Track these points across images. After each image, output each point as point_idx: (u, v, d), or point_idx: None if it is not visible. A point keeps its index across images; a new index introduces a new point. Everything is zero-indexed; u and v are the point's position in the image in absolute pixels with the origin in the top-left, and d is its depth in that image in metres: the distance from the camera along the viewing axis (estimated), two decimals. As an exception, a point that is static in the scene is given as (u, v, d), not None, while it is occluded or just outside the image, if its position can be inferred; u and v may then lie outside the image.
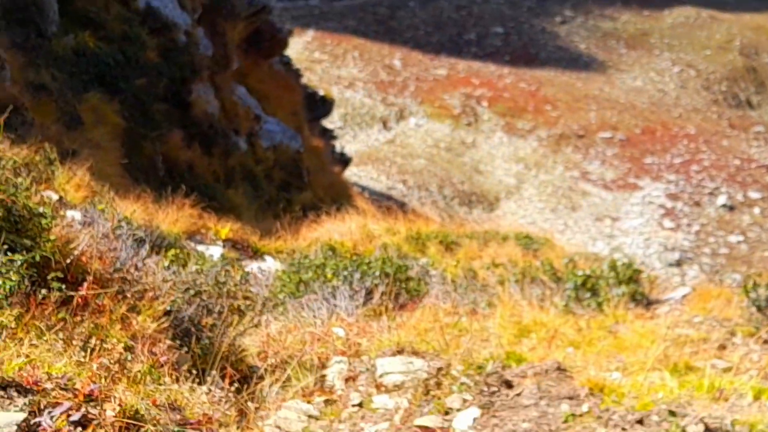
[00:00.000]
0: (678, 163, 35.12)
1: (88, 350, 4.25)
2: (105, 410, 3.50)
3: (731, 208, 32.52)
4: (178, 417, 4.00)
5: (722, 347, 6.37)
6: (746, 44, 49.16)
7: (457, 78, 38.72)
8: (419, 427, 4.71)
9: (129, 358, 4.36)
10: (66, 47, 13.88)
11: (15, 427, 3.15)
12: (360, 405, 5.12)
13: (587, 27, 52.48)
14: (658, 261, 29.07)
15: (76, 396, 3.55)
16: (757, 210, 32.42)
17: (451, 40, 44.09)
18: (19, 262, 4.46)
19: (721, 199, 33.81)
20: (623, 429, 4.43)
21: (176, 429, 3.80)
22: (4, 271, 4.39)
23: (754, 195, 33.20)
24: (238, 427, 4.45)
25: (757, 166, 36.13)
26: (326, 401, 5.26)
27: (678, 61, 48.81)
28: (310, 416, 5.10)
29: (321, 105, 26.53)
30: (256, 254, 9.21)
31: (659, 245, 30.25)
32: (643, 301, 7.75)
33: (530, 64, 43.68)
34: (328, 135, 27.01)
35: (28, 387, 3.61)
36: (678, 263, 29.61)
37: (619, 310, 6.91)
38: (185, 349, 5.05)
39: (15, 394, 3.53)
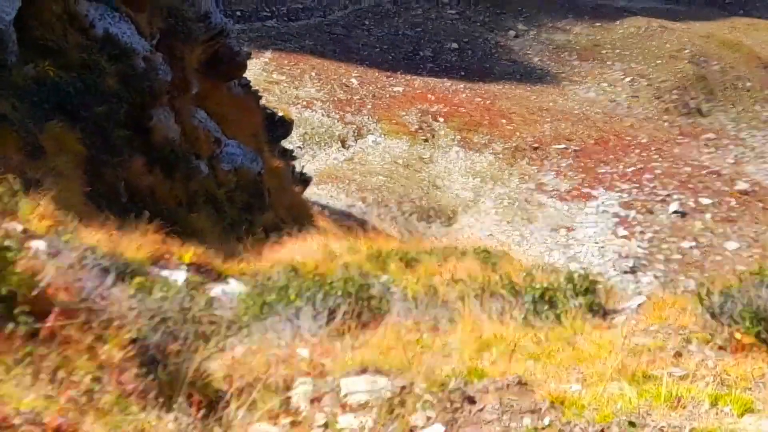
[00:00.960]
0: (630, 172, 35.87)
1: (57, 383, 4.34)
2: None
3: (683, 215, 33.19)
4: None
5: (678, 355, 6.49)
6: (696, 53, 50.41)
7: (413, 95, 39.22)
8: None
9: (96, 389, 4.42)
10: (26, 77, 14.04)
11: None
12: (325, 426, 5.22)
13: (540, 40, 53.52)
14: (613, 269, 29.67)
15: (44, 431, 3.67)
16: (708, 216, 32.97)
17: (406, 57, 44.35)
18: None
19: (673, 206, 34.39)
20: None
21: None
22: None
23: (705, 201, 33.90)
24: None
25: (708, 172, 36.72)
26: (292, 422, 5.32)
27: (629, 72, 49.94)
28: None
29: (280, 126, 26.97)
30: (220, 277, 9.31)
31: (614, 253, 30.81)
32: (600, 311, 7.84)
33: (485, 79, 44.25)
34: (288, 155, 27.48)
35: None
36: (632, 270, 30.13)
37: (577, 322, 7.00)
38: (152, 376, 5.12)
39: None
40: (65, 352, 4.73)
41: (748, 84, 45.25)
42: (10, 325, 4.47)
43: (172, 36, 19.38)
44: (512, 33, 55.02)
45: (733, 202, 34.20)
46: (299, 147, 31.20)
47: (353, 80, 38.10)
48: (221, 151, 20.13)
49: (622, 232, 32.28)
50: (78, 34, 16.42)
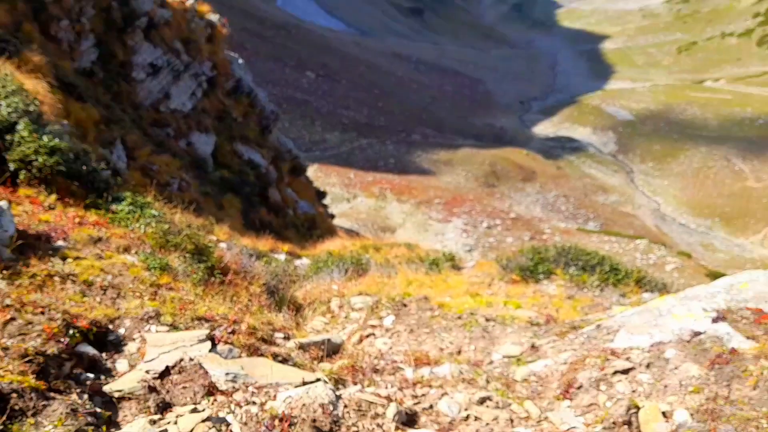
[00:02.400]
0: (467, 210, 52.16)
1: (233, 302, 6.59)
2: (241, 327, 5.74)
3: (489, 227, 49.89)
4: (271, 327, 6.49)
5: (489, 285, 9.28)
6: (493, 162, 68.57)
7: (377, 180, 55.48)
8: (370, 325, 7.31)
9: (249, 304, 6.56)
10: (216, 176, 18.47)
11: (204, 336, 5.04)
12: (345, 318, 7.78)
13: (427, 150, 72.59)
14: (462, 251, 41.86)
15: (228, 321, 5.90)
16: (499, 227, 49.46)
17: (373, 165, 61.33)
18: (202, 266, 7.14)
19: (485, 223, 50.72)
20: (451, 321, 7.10)
21: (269, 331, 5.96)
22: (198, 270, 6.98)
23: (498, 221, 50.78)
24: (296, 330, 6.84)
25: (498, 209, 54.56)
26: (331, 317, 8.01)
27: (466, 171, 65.50)
28: (325, 323, 7.90)
29: (322, 194, 33.58)
30: (299, 257, 11.77)
31: (462, 244, 45.29)
32: (457, 267, 10.72)
33: (405, 172, 60.46)
34: (325, 205, 33.28)
35: (209, 318, 5.88)
36: (470, 251, 43.75)
37: (447, 272, 10.07)
38: (272, 298, 7.60)
39: (203, 323, 5.83)
40: (235, 289, 7.05)
41: (513, 174, 65.13)
42: (213, 278, 6.95)
43: (276, 159, 25.01)
44: (414, 148, 73.16)
45: (509, 222, 52.23)
46: (329, 201, 40.68)
47: (351, 176, 54.58)
48: (298, 205, 25.02)
49: (465, 235, 48.05)
50: (236, 157, 21.33)
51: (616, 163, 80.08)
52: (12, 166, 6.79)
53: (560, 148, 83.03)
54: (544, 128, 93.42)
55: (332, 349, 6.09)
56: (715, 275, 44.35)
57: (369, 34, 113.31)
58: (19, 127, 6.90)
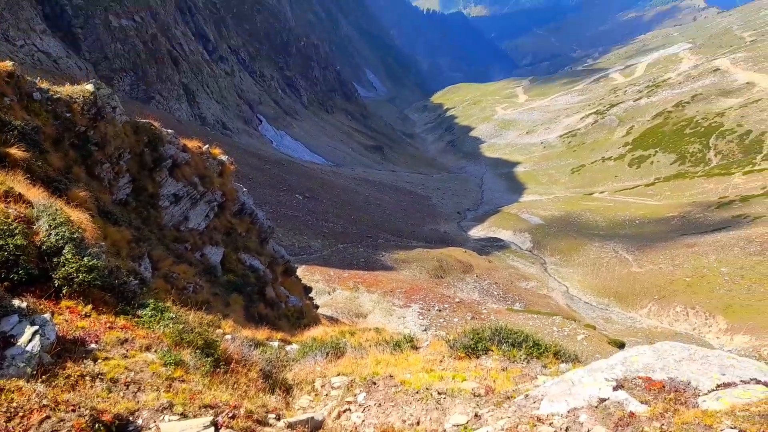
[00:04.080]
0: (422, 297, 49.74)
1: (234, 387, 6.45)
2: (240, 411, 5.51)
3: (440, 311, 47.04)
4: (264, 409, 6.19)
5: (440, 362, 8.98)
6: (440, 259, 66.44)
7: (351, 276, 52.59)
8: (347, 401, 7.10)
9: (247, 388, 6.57)
10: (224, 280, 17.55)
11: (209, 422, 5.03)
12: (326, 395, 7.57)
13: (389, 251, 69.48)
14: (419, 330, 40.49)
15: (229, 407, 5.64)
16: (447, 310, 46.87)
17: (348, 264, 58.71)
18: (209, 360, 7.03)
19: (436, 308, 48.48)
20: (411, 395, 6.92)
21: (263, 413, 5.71)
22: (206, 363, 6.78)
23: (446, 306, 48.45)
24: (286, 409, 6.77)
25: (444, 296, 51.83)
26: (315, 395, 7.77)
27: (419, 267, 62.61)
28: (310, 401, 7.68)
29: (308, 289, 32.15)
30: (290, 343, 11.15)
31: (419, 325, 42.88)
32: (415, 347, 10.25)
33: (373, 269, 57.81)
34: (311, 298, 31.65)
35: (213, 405, 5.50)
36: (425, 330, 41.42)
37: (408, 351, 9.78)
38: (267, 382, 7.46)
39: (209, 410, 5.43)
40: (237, 376, 6.93)
41: (456, 268, 63.76)
42: (218, 369, 6.81)
43: (272, 263, 24.06)
44: (381, 254, 68.61)
45: (455, 305, 49.85)
46: (314, 294, 38.16)
47: (331, 273, 51.71)
48: (289, 299, 23.84)
49: (421, 317, 45.31)
50: (240, 264, 20.30)
51: (533, 257, 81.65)
52: (57, 283, 6.64)
53: (490, 246, 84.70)
54: (477, 231, 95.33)
55: (315, 426, 6.00)
56: (614, 342, 45.68)
57: (342, 165, 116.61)
58: (65, 251, 6.84)
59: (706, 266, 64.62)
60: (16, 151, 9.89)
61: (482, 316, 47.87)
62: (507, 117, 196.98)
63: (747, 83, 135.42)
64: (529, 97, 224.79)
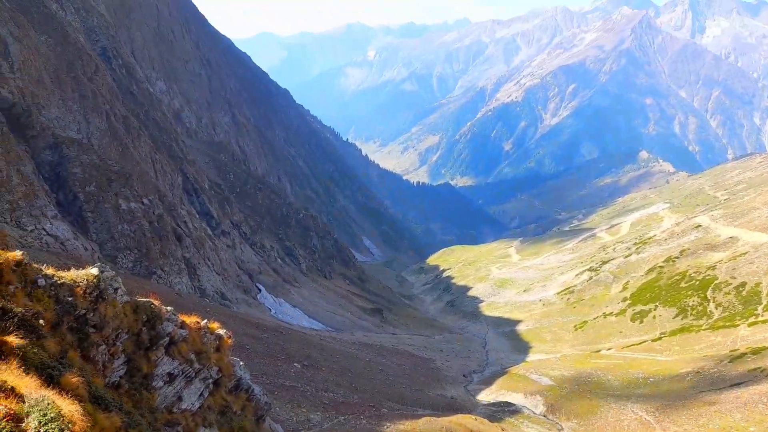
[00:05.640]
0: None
1: None
2: None
3: None
4: None
5: None
6: (449, 428, 64.20)
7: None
8: None
9: None
10: None
11: None
12: None
13: (393, 421, 68.14)
14: None
15: None
16: None
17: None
18: None
19: None
20: None
21: None
22: None
23: None
24: None
25: None
26: None
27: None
28: None
29: None
30: None
31: None
32: None
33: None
34: None
35: None
36: None
37: None
38: None
39: None
40: None
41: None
42: None
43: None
44: (385, 425, 69.00)
45: None
46: None
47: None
48: None
49: None
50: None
51: (548, 421, 75.98)
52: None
53: (501, 411, 79.16)
54: (486, 395, 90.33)
55: None
56: None
57: (342, 330, 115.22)
58: (51, 449, 6.52)
59: (733, 426, 60.01)
60: (13, 339, 9.86)
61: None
62: (503, 276, 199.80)
63: (730, 237, 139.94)
64: (522, 256, 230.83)
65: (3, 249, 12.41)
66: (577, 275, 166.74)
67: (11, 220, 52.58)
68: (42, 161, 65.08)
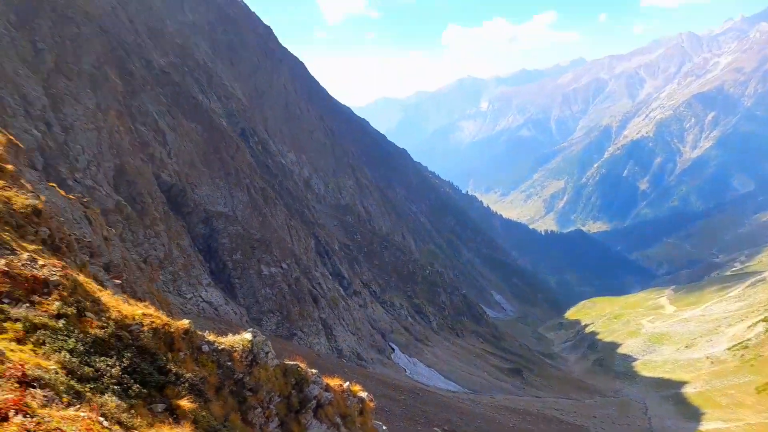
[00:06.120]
0: None
1: None
2: None
3: None
4: None
5: None
6: None
7: None
8: None
9: None
10: None
11: None
12: None
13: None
14: None
15: None
16: None
17: None
18: None
19: None
20: None
21: None
22: None
23: None
24: None
25: None
26: None
27: None
28: None
29: None
30: None
31: None
32: None
33: None
34: None
35: None
36: None
37: None
38: None
39: None
40: None
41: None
42: None
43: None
44: None
45: None
46: None
47: None
48: None
49: None
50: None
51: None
52: None
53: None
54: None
55: None
56: None
57: (480, 392, 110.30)
58: None
59: None
60: (185, 403, 10.39)
61: None
62: (657, 330, 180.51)
63: None
64: (678, 307, 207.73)
65: (169, 317, 13.23)
66: (749, 327, 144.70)
67: (173, 290, 59.09)
68: (196, 234, 73.20)
